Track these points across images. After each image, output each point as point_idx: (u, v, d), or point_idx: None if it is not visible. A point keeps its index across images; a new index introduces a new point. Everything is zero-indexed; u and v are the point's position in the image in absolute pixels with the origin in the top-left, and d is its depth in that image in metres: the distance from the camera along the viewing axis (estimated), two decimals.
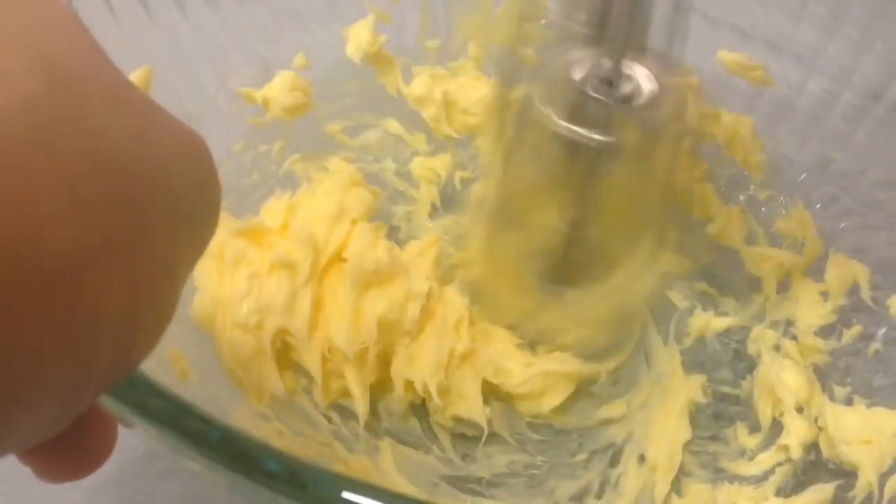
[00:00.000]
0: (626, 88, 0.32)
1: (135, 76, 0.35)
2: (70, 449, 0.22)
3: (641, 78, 0.32)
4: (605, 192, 0.34)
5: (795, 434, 0.35)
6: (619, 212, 0.36)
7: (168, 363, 0.29)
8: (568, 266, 0.37)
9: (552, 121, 0.32)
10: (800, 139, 0.43)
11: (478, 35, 0.44)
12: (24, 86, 0.14)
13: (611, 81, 0.31)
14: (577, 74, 0.32)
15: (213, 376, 0.34)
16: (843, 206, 0.42)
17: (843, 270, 0.39)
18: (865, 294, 0.39)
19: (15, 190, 0.13)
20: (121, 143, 0.15)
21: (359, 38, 0.42)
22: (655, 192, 0.36)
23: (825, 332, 0.39)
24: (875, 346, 0.38)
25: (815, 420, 0.36)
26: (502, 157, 0.36)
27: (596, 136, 0.32)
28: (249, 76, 0.40)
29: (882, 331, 0.38)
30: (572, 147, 0.32)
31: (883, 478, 0.33)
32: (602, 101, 0.31)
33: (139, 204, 0.15)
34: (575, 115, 0.32)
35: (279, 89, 0.40)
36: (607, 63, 0.31)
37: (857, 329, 0.38)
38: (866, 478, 0.33)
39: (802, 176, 0.43)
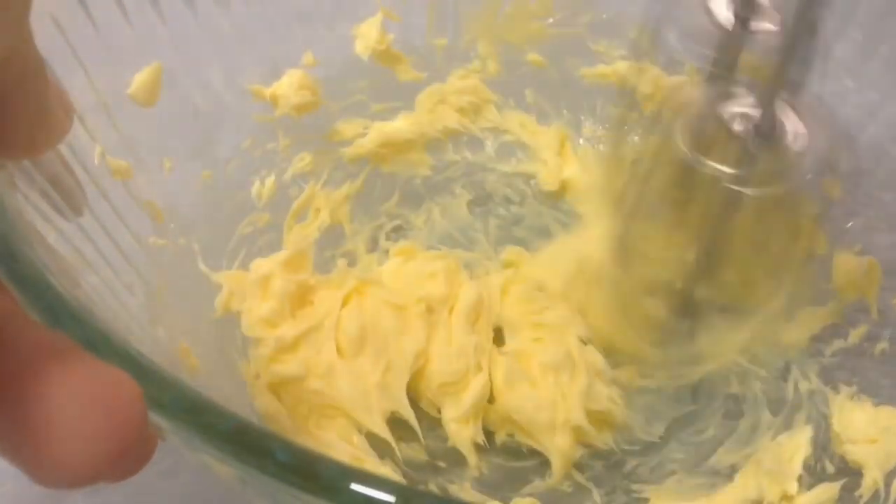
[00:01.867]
0: (776, 130, 0.32)
1: (145, 73, 0.35)
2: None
3: (788, 118, 0.32)
4: (743, 232, 0.34)
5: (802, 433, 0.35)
6: (754, 253, 0.36)
7: (178, 359, 0.30)
8: (694, 303, 0.37)
9: (695, 157, 0.32)
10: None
11: (486, 34, 0.45)
12: None
13: (761, 120, 0.31)
14: (725, 111, 0.32)
15: (222, 372, 0.34)
16: (847, 207, 0.42)
17: (850, 270, 0.39)
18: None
19: None
20: None
21: (367, 36, 0.42)
22: (793, 238, 0.36)
23: (832, 331, 0.39)
24: (882, 345, 0.38)
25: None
26: (633, 190, 0.36)
27: (734, 172, 0.31)
28: (258, 74, 0.41)
29: (888, 331, 0.38)
30: (710, 183, 0.32)
31: (889, 476, 0.33)
32: (748, 140, 0.31)
33: None
34: (717, 152, 0.32)
35: (288, 87, 0.40)
36: (757, 103, 0.31)
37: (863, 328, 0.38)
38: (872, 476, 0.33)
39: (808, 176, 0.43)
